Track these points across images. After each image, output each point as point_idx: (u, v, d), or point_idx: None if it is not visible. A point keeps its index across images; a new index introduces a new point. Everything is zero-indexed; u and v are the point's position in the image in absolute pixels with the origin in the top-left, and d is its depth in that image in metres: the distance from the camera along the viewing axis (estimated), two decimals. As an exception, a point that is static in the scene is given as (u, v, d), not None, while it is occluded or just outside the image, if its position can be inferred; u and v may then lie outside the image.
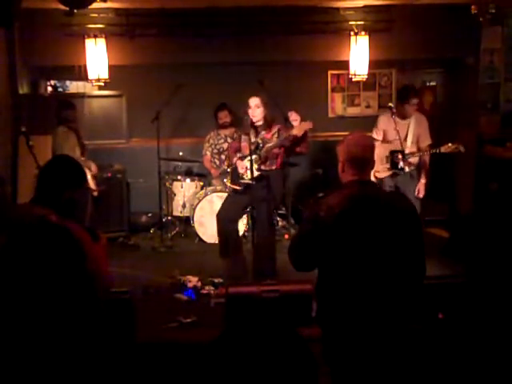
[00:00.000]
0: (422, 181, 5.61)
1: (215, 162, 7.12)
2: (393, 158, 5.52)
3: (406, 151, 5.50)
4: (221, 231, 5.36)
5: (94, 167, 6.08)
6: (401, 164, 5.46)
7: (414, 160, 5.58)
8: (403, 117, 5.59)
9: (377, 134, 5.68)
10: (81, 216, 5.28)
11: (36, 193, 2.58)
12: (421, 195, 5.56)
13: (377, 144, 5.63)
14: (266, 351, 2.11)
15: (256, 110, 5.09)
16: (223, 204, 5.47)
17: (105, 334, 2.68)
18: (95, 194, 6.04)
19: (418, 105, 5.88)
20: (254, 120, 5.12)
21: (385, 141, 5.66)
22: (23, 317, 2.29)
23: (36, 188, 2.60)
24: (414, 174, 5.62)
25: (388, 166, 5.59)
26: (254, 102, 5.10)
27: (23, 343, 2.27)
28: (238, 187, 5.24)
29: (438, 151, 5.42)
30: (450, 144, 5.37)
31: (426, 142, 5.65)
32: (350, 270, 2.58)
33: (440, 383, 3.10)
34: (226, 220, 5.32)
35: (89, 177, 5.84)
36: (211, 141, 7.11)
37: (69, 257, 2.36)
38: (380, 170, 5.60)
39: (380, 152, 5.59)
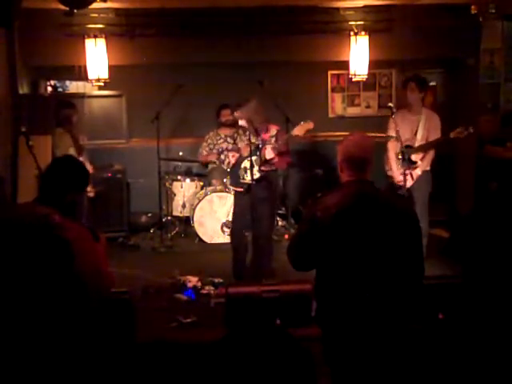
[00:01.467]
0: (419, 167, 5.50)
1: (214, 163, 7.12)
2: (403, 153, 5.46)
3: (416, 145, 5.48)
4: (237, 241, 5.35)
5: (90, 168, 6.03)
6: (413, 157, 5.42)
7: (425, 153, 5.50)
8: (409, 107, 5.55)
9: (391, 132, 5.56)
10: (77, 216, 5.28)
11: (40, 192, 2.59)
12: (408, 182, 5.31)
13: (391, 141, 5.59)
14: (265, 353, 2.11)
15: (243, 122, 5.13)
16: (234, 215, 5.41)
17: (104, 333, 2.68)
18: (91, 194, 5.99)
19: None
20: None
21: (398, 139, 5.62)
22: (13, 315, 2.29)
23: (40, 187, 2.62)
24: (429, 178, 5.56)
25: (401, 162, 5.55)
26: (240, 122, 5.16)
27: (15, 341, 2.28)
28: (241, 189, 5.23)
29: (448, 137, 5.33)
30: (458, 129, 5.30)
31: (436, 137, 5.54)
32: (348, 269, 2.58)
33: (440, 383, 3.10)
34: (241, 228, 5.32)
35: None
36: (209, 141, 7.10)
37: (56, 258, 2.36)
38: (393, 168, 5.55)
39: (393, 149, 5.57)
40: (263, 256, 5.21)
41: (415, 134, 5.48)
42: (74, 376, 2.35)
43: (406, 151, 5.40)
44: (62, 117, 5.99)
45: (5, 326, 2.28)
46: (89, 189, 5.90)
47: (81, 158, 5.90)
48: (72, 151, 5.87)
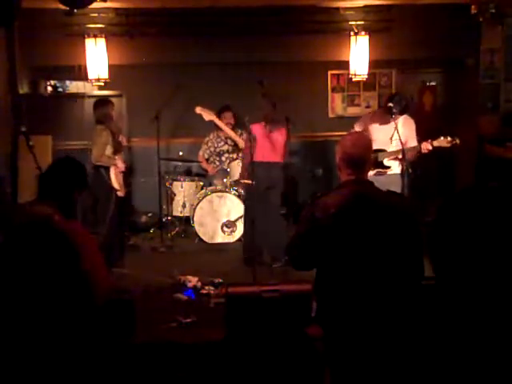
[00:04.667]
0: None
1: (215, 163, 7.12)
2: (377, 156, 5.31)
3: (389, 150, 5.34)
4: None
5: (120, 164, 5.84)
6: (385, 161, 5.32)
7: (398, 157, 5.33)
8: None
9: (357, 127, 5.47)
10: (103, 216, 5.31)
11: (41, 192, 2.60)
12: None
13: None
14: (272, 350, 2.11)
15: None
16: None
17: (104, 333, 2.68)
18: (120, 194, 5.83)
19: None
20: None
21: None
22: (17, 317, 2.29)
23: (40, 187, 2.62)
24: (398, 179, 5.32)
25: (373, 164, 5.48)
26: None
27: (18, 344, 2.28)
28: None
29: (431, 146, 5.14)
30: (442, 138, 5.13)
31: (412, 144, 5.33)
32: (348, 269, 2.58)
33: (439, 383, 3.10)
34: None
35: (113, 175, 5.73)
36: (209, 143, 7.10)
37: (62, 258, 2.36)
38: None
39: None
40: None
41: (390, 138, 5.27)
42: (75, 375, 2.35)
43: (380, 155, 5.33)
44: (101, 114, 5.80)
45: (9, 328, 2.29)
46: (118, 187, 5.81)
47: (116, 157, 5.84)
48: (109, 149, 5.73)
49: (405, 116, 5.38)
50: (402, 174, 5.20)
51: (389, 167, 5.33)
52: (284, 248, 5.44)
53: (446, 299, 1.73)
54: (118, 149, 5.85)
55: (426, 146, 5.15)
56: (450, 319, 1.77)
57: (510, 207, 1.60)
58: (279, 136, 5.75)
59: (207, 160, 7.15)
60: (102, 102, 5.91)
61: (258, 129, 5.70)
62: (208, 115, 6.68)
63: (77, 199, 2.68)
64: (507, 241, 1.57)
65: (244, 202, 6.01)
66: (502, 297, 1.62)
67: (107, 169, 5.68)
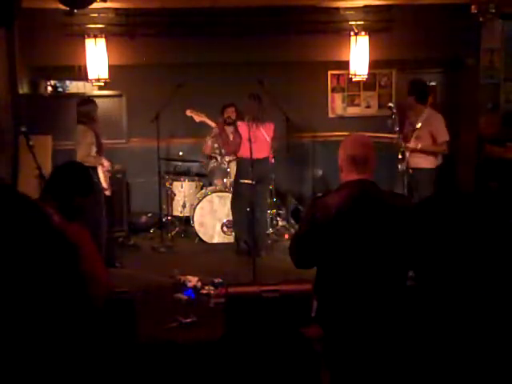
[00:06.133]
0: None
1: (216, 158, 7.09)
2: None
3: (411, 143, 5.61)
4: None
5: (106, 163, 5.86)
6: (400, 155, 5.53)
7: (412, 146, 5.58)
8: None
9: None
10: (96, 217, 5.35)
11: (44, 193, 2.63)
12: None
13: None
14: (272, 350, 2.10)
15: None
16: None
17: (105, 334, 2.68)
18: (107, 193, 5.83)
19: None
20: None
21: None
22: (18, 316, 2.29)
23: (44, 189, 2.65)
24: (425, 176, 5.63)
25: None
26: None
27: (18, 344, 2.27)
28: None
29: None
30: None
31: (441, 138, 5.63)
32: (348, 269, 2.59)
33: (439, 382, 3.10)
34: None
35: (101, 175, 5.73)
36: (213, 134, 7.08)
37: (60, 258, 2.36)
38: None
39: None
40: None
41: (412, 131, 5.59)
42: (75, 376, 2.35)
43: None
44: (83, 114, 5.79)
45: (9, 329, 2.28)
46: (106, 186, 5.81)
47: (97, 156, 5.84)
48: (94, 149, 5.73)
49: (430, 111, 5.68)
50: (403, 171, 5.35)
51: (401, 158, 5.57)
52: (263, 242, 6.02)
53: (426, 299, 1.75)
54: (100, 149, 5.85)
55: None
56: (433, 320, 1.78)
57: (481, 213, 1.63)
58: (265, 133, 5.93)
59: (210, 156, 7.11)
60: (84, 102, 5.92)
61: (243, 127, 5.90)
62: (198, 117, 6.75)
63: (77, 203, 2.69)
64: (479, 244, 1.61)
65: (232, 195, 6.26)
66: (478, 297, 1.64)
67: (94, 169, 5.60)
